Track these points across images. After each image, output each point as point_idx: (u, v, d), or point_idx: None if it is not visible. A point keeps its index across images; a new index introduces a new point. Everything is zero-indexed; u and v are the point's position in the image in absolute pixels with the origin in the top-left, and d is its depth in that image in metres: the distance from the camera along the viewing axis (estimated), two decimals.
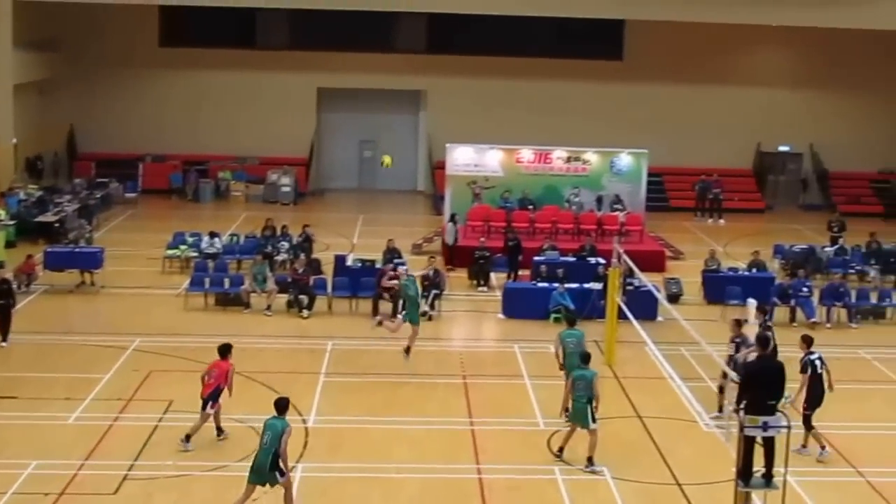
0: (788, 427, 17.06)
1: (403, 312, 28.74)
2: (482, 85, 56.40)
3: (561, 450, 22.86)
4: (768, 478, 17.54)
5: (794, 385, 25.64)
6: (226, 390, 23.31)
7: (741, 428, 17.01)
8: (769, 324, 27.84)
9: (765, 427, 17.07)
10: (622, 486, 21.66)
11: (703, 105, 57.67)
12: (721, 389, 24.86)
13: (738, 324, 25.00)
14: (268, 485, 19.41)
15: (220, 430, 23.52)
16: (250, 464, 19.60)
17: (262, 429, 19.68)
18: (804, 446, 23.28)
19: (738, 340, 24.58)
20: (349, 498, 20.72)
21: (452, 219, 41.56)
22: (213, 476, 21.61)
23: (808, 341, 23.77)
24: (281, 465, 19.25)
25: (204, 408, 23.10)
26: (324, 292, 34.63)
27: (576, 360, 23.91)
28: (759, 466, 17.53)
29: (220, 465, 21.99)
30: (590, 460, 22.37)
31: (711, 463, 22.45)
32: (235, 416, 24.38)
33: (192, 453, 22.53)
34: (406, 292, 28.64)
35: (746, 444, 17.24)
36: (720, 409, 24.54)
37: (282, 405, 20.00)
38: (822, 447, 23.18)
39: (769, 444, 17.56)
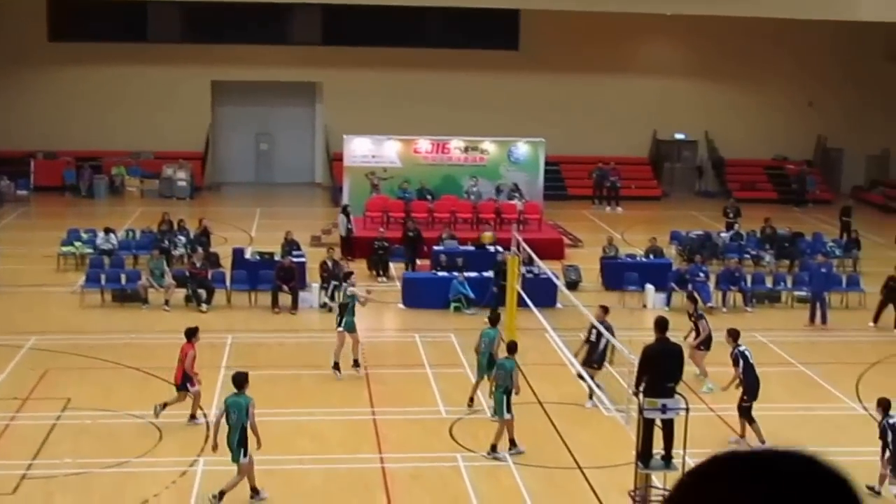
0: (686, 409, 17.25)
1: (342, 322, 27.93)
2: (379, 76, 56.30)
3: (512, 442, 22.69)
4: (668, 459, 17.74)
5: (695, 368, 26.14)
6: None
7: (640, 411, 17.16)
8: (700, 312, 28.20)
9: (664, 409, 17.26)
10: (525, 472, 21.76)
11: (600, 94, 58.05)
12: (581, 377, 25.24)
13: (605, 310, 25.23)
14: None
15: (192, 417, 23.96)
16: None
17: (225, 408, 19.99)
18: (742, 436, 23.33)
19: (599, 328, 24.85)
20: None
21: (344, 210, 41.44)
22: (113, 473, 21.37)
23: (734, 335, 23.91)
24: (247, 444, 19.77)
25: (179, 390, 23.69)
26: (222, 286, 34.41)
27: (484, 360, 24.14)
28: (658, 448, 17.72)
29: (121, 462, 21.75)
30: (493, 448, 22.37)
31: (612, 447, 22.63)
32: (136, 412, 24.19)
33: (91, 450, 22.26)
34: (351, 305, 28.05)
35: (646, 427, 17.40)
36: (590, 396, 24.99)
37: (239, 380, 20.34)
38: (762, 442, 23.09)
39: (668, 426, 17.75)
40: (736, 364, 23.34)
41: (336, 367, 27.20)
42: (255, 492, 20.22)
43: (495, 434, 22.42)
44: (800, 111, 59.37)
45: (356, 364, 27.58)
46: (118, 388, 26.14)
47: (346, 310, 27.63)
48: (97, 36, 55.56)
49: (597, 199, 54.59)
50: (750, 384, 23.22)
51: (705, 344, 27.49)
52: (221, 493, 19.85)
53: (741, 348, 23.65)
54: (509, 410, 22.40)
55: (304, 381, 27.07)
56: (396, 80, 56.27)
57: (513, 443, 22.58)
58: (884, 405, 20.89)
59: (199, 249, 36.31)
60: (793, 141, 59.76)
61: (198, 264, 34.21)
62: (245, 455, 19.83)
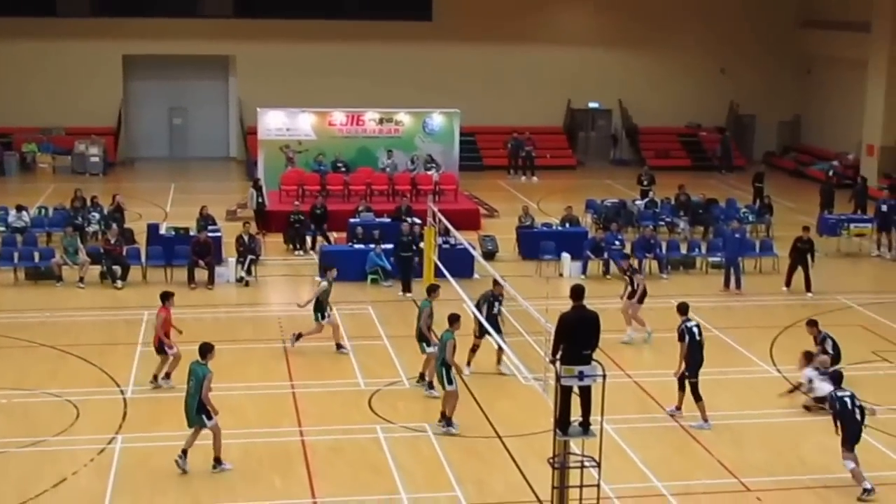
0: (604, 376, 17.36)
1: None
2: (292, 49, 55.93)
3: (448, 420, 22.57)
4: (585, 426, 17.84)
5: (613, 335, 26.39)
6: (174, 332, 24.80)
7: (558, 378, 17.26)
8: (635, 267, 30.06)
9: (581, 376, 17.34)
10: (444, 442, 21.87)
11: (514, 64, 58.07)
12: (475, 349, 25.41)
13: (496, 284, 25.31)
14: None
15: (166, 376, 24.52)
16: None
17: (188, 373, 20.39)
18: (678, 408, 23.43)
19: (496, 297, 25.17)
20: (172, 467, 20.46)
21: (256, 184, 41.24)
22: (29, 452, 21.18)
23: (683, 310, 23.97)
24: (208, 409, 20.23)
25: (158, 353, 24.62)
26: (138, 262, 34.15)
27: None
28: (576, 416, 17.84)
29: (38, 441, 21.57)
30: (444, 415, 22.37)
31: (530, 415, 22.85)
32: (52, 390, 24.04)
33: (7, 430, 22.07)
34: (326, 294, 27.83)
35: (563, 394, 17.50)
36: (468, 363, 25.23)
37: (203, 350, 20.63)
38: (705, 420, 23.18)
39: (585, 393, 17.87)
40: (681, 339, 23.31)
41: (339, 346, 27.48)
42: (217, 462, 20.58)
43: (443, 402, 22.43)
44: (712, 78, 59.87)
45: (340, 346, 27.52)
46: (33, 367, 25.90)
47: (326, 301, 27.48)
48: (5, 11, 54.55)
49: (512, 170, 54.68)
50: (694, 361, 23.26)
51: (640, 299, 28.46)
52: (217, 460, 20.41)
53: (690, 324, 23.62)
54: (451, 382, 22.30)
55: (222, 356, 26.56)
56: (310, 53, 55.99)
57: (448, 421, 22.44)
58: (835, 378, 21.28)
59: (114, 226, 35.93)
60: (705, 108, 60.27)
61: (112, 241, 33.90)
62: (209, 419, 20.26)
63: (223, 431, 21.31)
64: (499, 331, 25.10)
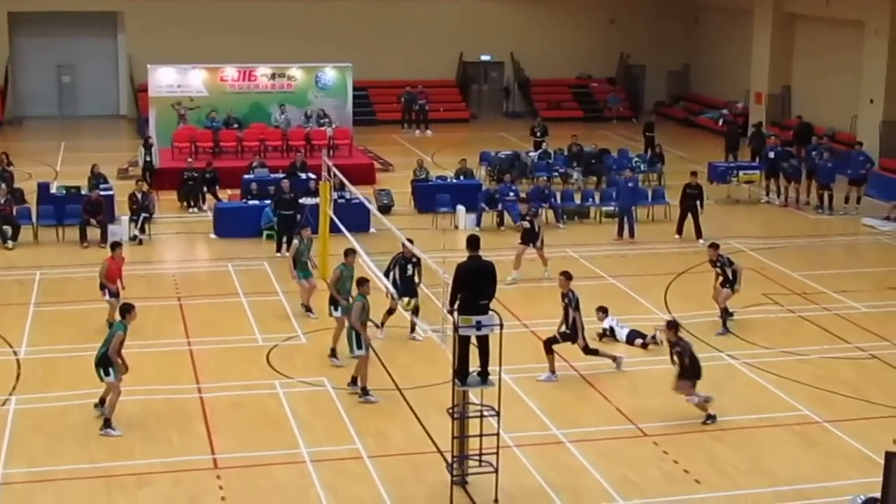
0: (501, 325, 17.52)
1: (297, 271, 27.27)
2: (181, 4, 55.12)
3: (354, 380, 22.23)
4: (484, 376, 18.01)
5: (509, 286, 26.63)
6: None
7: (455, 328, 17.39)
8: (535, 210, 30.60)
9: (478, 326, 17.49)
10: (343, 396, 21.92)
11: (405, 17, 57.87)
12: (390, 311, 25.43)
13: (405, 245, 25.24)
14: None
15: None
16: None
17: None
18: (552, 373, 23.54)
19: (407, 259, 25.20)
20: (68, 426, 20.36)
21: (146, 143, 40.81)
22: None
23: (568, 277, 24.03)
24: (111, 367, 20.26)
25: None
26: (28, 222, 33.71)
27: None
28: (475, 366, 18.00)
29: None
30: (354, 380, 22.06)
31: (429, 366, 23.00)
32: None
33: None
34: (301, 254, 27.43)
35: (461, 345, 17.64)
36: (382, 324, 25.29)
37: (122, 309, 20.98)
38: (552, 372, 23.28)
39: (483, 343, 18.02)
40: (571, 305, 23.36)
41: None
42: (101, 402, 20.78)
43: (355, 368, 22.15)
44: (602, 29, 60.18)
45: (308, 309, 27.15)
46: None
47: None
48: None
49: (406, 123, 54.64)
50: (573, 326, 23.26)
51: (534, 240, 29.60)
52: (107, 422, 20.31)
53: (576, 293, 23.54)
54: (360, 346, 21.86)
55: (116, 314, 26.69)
56: (200, 8, 55.27)
57: (364, 389, 21.95)
58: (673, 327, 21.58)
59: (2, 185, 35.29)
60: (596, 59, 60.63)
61: (1, 201, 33.38)
62: (108, 374, 20.27)
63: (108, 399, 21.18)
64: (415, 293, 25.04)
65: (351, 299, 23.12)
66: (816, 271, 31.16)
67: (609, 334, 25.40)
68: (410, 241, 24.19)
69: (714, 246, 26.87)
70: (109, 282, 25.17)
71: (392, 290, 24.71)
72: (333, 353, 23.86)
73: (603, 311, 25.70)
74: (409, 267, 25.03)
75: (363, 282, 22.41)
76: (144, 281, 29.44)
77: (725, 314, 26.15)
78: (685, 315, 26.65)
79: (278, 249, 31.92)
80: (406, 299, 24.84)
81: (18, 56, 55.95)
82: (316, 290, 26.90)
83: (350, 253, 24.45)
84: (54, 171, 42.79)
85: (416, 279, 25.05)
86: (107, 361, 20.29)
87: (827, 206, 38.71)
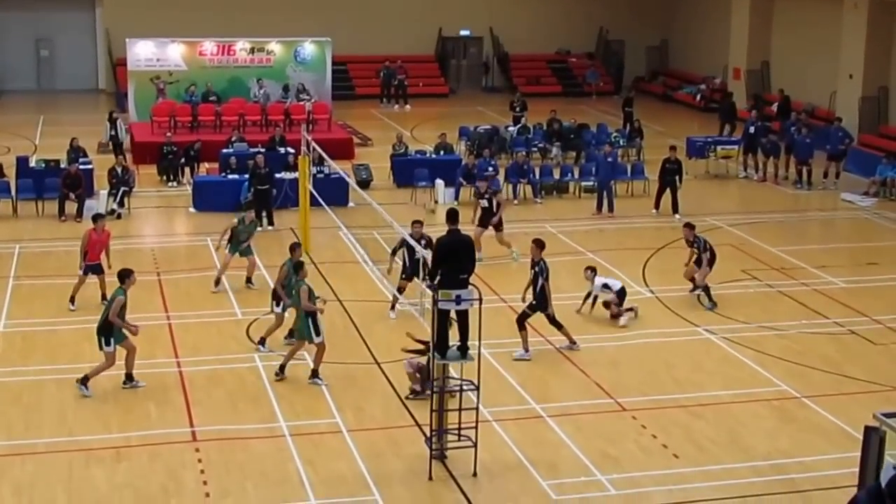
0: (480, 300, 17.56)
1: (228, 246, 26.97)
2: None
3: (282, 368, 21.83)
4: (464, 350, 18.04)
5: (488, 261, 26.64)
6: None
7: (435, 302, 17.42)
8: (494, 191, 29.82)
9: (458, 300, 17.52)
10: (323, 369, 21.78)
11: None
12: (400, 291, 25.27)
13: (415, 223, 25.25)
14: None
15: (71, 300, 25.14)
16: None
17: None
18: (526, 350, 23.48)
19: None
20: (47, 399, 20.35)
21: (110, 117, 40.68)
22: None
23: (539, 245, 23.96)
24: (111, 335, 20.50)
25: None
26: (7, 195, 33.62)
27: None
28: (454, 340, 18.04)
29: None
30: (314, 373, 21.61)
31: (408, 341, 22.95)
32: None
33: None
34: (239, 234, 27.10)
35: (440, 319, 17.67)
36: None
37: (121, 275, 21.11)
38: (526, 349, 23.09)
39: (463, 317, 18.05)
40: (541, 274, 23.30)
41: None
42: (129, 378, 20.99)
43: (314, 359, 21.72)
44: (581, 4, 60.19)
45: (249, 280, 27.07)
46: None
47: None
48: None
49: (385, 98, 54.62)
50: (540, 297, 23.23)
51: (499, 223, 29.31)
52: (86, 378, 20.59)
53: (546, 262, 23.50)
54: (318, 334, 21.53)
55: (94, 288, 26.56)
56: None
57: (315, 372, 21.60)
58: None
59: None
60: (575, 34, 60.67)
61: None
62: (108, 344, 20.44)
63: (95, 364, 21.15)
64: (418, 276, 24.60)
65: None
66: (795, 247, 31.27)
67: (605, 289, 25.34)
68: (420, 222, 24.30)
69: (689, 226, 26.99)
70: (90, 255, 25.02)
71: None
72: (262, 342, 23.19)
73: (592, 269, 25.64)
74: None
75: (300, 266, 22.27)
76: (123, 255, 29.33)
77: (707, 290, 26.24)
78: (663, 289, 26.86)
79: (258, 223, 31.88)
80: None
81: None
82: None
83: (296, 247, 23.55)
84: (33, 145, 42.67)
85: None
86: (108, 329, 20.43)
87: (805, 181, 38.81)
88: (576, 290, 26.23)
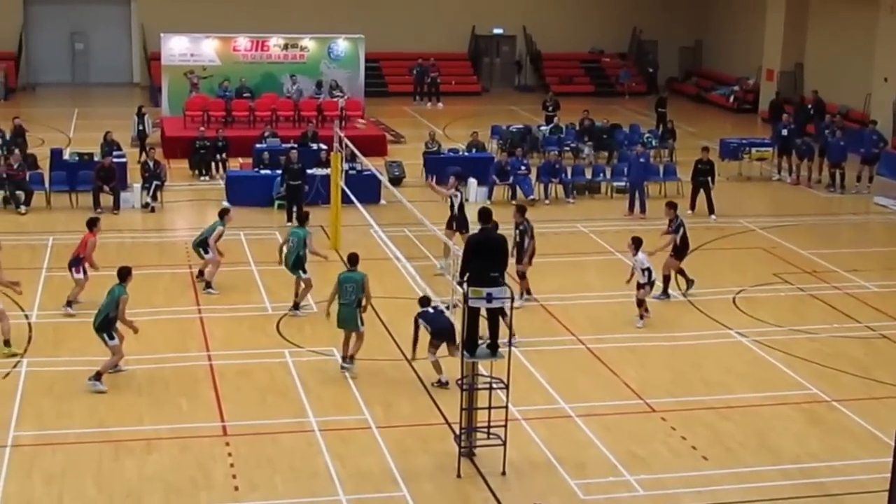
0: (511, 298, 17.58)
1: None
2: None
3: (349, 358, 21.97)
4: (493, 347, 18.06)
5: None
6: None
7: (465, 300, 17.43)
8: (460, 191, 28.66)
9: (489, 298, 17.52)
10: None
11: None
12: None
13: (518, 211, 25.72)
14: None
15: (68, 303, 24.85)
16: None
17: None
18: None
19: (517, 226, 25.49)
20: (77, 390, 20.45)
21: (139, 111, 40.82)
22: None
23: (521, 211, 24.30)
24: (112, 330, 20.61)
25: (69, 270, 25.01)
26: (41, 187, 33.82)
27: (291, 259, 24.45)
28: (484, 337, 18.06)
29: None
30: (351, 358, 21.84)
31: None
32: None
33: None
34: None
35: (471, 316, 17.68)
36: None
37: (122, 273, 21.11)
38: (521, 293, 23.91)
39: (493, 315, 18.08)
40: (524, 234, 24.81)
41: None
42: (97, 377, 20.68)
43: (354, 347, 21.96)
44: (615, 4, 60.10)
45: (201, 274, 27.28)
46: None
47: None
48: None
49: (417, 96, 54.66)
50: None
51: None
52: (98, 374, 20.46)
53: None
54: (363, 323, 21.88)
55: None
56: None
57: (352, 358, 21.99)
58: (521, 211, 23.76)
59: (16, 151, 35.41)
60: (608, 34, 60.57)
61: (15, 166, 33.48)
62: (112, 338, 20.52)
63: (128, 356, 21.34)
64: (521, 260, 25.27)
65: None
66: (827, 250, 31.15)
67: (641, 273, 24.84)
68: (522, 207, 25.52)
69: (671, 205, 27.53)
70: (90, 259, 25.20)
71: None
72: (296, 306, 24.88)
73: (635, 242, 25.01)
74: (522, 235, 25.28)
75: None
76: (156, 248, 29.54)
77: (667, 283, 26.64)
78: (695, 291, 26.77)
79: (289, 219, 31.95)
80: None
81: (32, 23, 56.11)
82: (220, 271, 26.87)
83: (306, 216, 25.74)
84: (67, 138, 42.89)
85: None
86: (108, 325, 20.55)
87: (839, 184, 38.65)
88: (606, 288, 26.27)
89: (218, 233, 25.58)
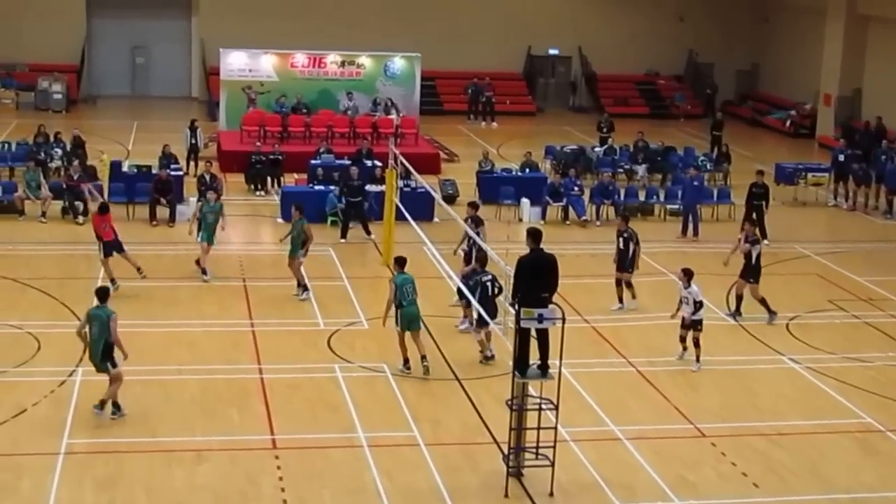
0: (563, 319, 17.57)
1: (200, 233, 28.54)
2: None
3: (424, 357, 22.56)
4: (544, 368, 18.06)
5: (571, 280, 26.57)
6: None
7: (517, 320, 17.44)
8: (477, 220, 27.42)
9: (540, 319, 17.53)
10: (401, 382, 22.04)
11: (474, 9, 57.88)
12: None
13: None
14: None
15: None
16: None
17: (87, 320, 19.88)
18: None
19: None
20: (131, 398, 20.55)
21: (191, 125, 41.07)
22: None
23: (625, 218, 24.46)
24: (114, 355, 19.85)
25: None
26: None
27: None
28: (535, 359, 18.05)
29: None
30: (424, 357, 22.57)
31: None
32: (12, 321, 24.09)
33: None
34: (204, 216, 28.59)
35: (522, 337, 17.68)
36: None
37: (102, 293, 20.37)
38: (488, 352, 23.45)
39: (543, 336, 18.07)
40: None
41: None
42: (116, 407, 20.12)
43: (419, 345, 22.55)
44: (671, 25, 59.91)
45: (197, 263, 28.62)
46: None
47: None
48: None
49: (472, 115, 54.74)
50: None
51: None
52: (102, 402, 19.95)
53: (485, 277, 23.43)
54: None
55: (181, 292, 27.04)
56: None
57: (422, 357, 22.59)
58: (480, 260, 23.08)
59: (75, 162, 35.80)
60: (664, 56, 60.41)
61: (74, 176, 33.84)
62: (114, 366, 19.95)
63: (181, 366, 21.50)
64: None
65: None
66: (883, 277, 30.91)
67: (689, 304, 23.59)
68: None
69: (752, 222, 28.07)
70: (104, 236, 27.06)
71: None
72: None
73: (687, 273, 23.80)
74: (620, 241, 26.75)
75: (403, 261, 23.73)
76: (210, 261, 29.66)
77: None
78: (746, 316, 26.63)
79: (343, 235, 32.12)
80: None
81: (95, 36, 56.67)
82: (210, 256, 28.16)
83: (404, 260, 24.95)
84: (126, 150, 43.28)
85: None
86: (109, 353, 19.88)
87: None
88: (657, 310, 26.18)
89: (196, 208, 26.55)
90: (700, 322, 23.55)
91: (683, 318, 23.83)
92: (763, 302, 26.53)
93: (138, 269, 26.93)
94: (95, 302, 20.37)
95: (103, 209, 27.62)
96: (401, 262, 22.84)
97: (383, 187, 31.42)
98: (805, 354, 24.72)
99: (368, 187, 34.02)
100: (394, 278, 22.54)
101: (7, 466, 18.06)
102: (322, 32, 53.40)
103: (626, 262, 26.99)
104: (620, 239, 27.04)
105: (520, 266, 17.81)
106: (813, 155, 46.68)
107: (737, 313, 26.68)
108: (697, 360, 23.59)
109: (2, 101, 52.93)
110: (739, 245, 26.86)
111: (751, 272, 26.47)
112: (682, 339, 23.89)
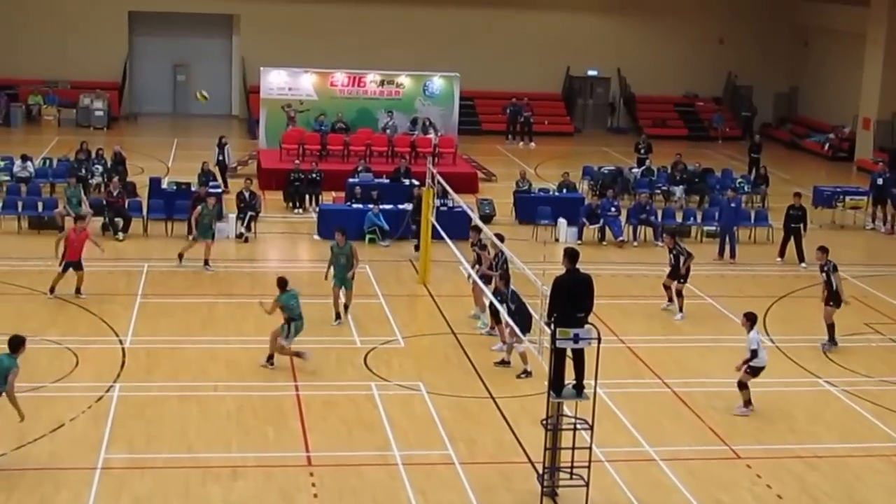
0: (598, 339, 17.60)
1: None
2: (295, 9, 55.95)
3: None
4: (579, 388, 18.10)
5: (606, 301, 26.61)
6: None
7: (552, 340, 17.49)
8: (484, 242, 27.01)
9: (575, 339, 17.57)
10: (437, 401, 22.10)
11: (514, 29, 58.03)
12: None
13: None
14: None
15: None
16: None
17: None
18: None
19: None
20: (168, 415, 20.78)
21: (219, 142, 41.28)
22: (28, 397, 21.25)
23: (671, 234, 24.56)
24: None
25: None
26: (139, 215, 34.39)
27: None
28: (570, 379, 18.09)
29: (37, 386, 21.69)
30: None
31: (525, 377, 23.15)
32: (52, 337, 24.29)
33: None
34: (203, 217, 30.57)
35: (557, 357, 17.73)
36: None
37: (14, 343, 18.75)
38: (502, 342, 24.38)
39: (579, 355, 18.11)
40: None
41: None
42: None
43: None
44: (710, 48, 59.91)
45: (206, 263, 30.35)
46: (33, 314, 26.13)
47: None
48: None
49: (510, 135, 54.87)
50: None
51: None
52: None
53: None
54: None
55: (219, 309, 27.20)
56: (313, 13, 56.03)
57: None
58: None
59: (116, 178, 36.13)
60: (703, 78, 60.42)
61: (114, 193, 34.12)
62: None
63: (218, 383, 21.63)
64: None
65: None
66: None
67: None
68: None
69: (823, 249, 27.31)
70: (68, 252, 27.64)
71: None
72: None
73: (749, 318, 22.67)
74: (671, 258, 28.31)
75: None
76: (248, 278, 29.92)
77: (831, 331, 26.38)
78: (784, 338, 26.62)
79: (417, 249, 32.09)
80: None
81: (137, 54, 57.18)
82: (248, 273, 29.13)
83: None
84: (166, 167, 43.59)
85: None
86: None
87: None
88: (693, 332, 26.18)
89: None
90: (758, 370, 22.46)
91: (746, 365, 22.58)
92: (830, 328, 26.44)
93: None
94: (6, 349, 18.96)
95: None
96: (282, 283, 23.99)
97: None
98: (841, 377, 24.65)
99: (407, 206, 34.15)
100: (279, 298, 23.64)
101: (46, 480, 18.21)
102: (362, 52, 53.70)
103: (676, 273, 28.29)
104: (671, 256, 28.44)
105: (556, 286, 17.85)
106: (851, 178, 46.53)
107: (830, 342, 26.53)
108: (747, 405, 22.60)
109: (44, 118, 53.54)
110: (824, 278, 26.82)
111: (832, 296, 26.39)
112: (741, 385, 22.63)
